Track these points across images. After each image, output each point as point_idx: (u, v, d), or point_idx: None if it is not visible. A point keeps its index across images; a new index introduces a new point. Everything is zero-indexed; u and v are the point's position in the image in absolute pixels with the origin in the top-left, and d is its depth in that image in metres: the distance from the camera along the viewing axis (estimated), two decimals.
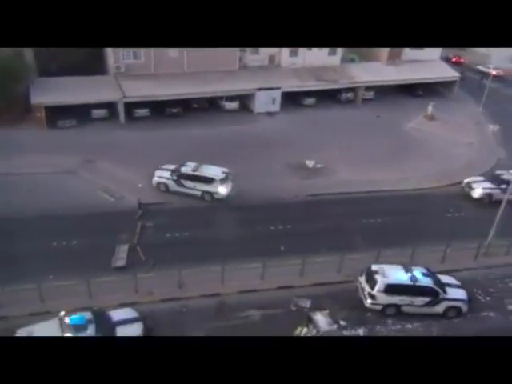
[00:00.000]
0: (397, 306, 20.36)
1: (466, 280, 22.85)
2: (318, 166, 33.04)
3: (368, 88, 45.59)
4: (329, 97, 44.77)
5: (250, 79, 41.81)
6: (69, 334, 16.20)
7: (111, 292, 20.04)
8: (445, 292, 20.49)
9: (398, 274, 20.51)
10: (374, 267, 20.94)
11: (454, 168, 33.89)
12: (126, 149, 32.93)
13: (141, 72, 38.80)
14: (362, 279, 21.01)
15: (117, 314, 18.30)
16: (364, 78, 44.92)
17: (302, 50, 45.05)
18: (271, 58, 45.44)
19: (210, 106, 41.67)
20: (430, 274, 21.00)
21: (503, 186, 28.43)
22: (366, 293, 20.48)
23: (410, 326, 20.12)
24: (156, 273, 21.50)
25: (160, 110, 38.92)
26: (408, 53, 49.08)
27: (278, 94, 41.58)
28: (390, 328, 19.95)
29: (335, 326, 18.70)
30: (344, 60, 47.45)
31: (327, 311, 19.43)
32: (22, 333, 16.51)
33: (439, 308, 20.51)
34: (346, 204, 28.63)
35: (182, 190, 28.10)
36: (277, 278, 21.77)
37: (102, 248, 22.67)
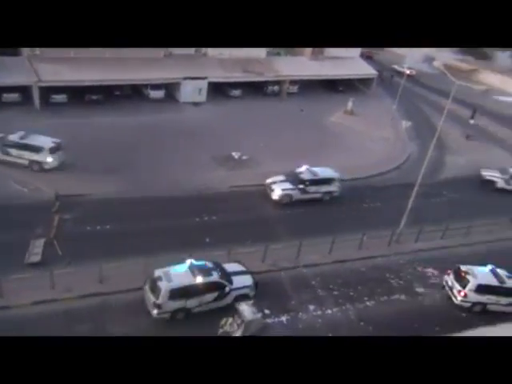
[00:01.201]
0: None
1: (381, 266, 24.49)
2: (244, 157, 33.37)
3: (293, 82, 46.70)
4: (255, 89, 45.26)
5: (175, 68, 41.04)
6: (199, 277, 18.81)
7: (25, 289, 18.86)
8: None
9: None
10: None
11: (371, 161, 35.87)
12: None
13: (58, 55, 36.38)
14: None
15: (229, 267, 20.84)
16: (289, 72, 45.93)
17: None
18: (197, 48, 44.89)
19: (133, 93, 40.37)
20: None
21: (301, 186, 28.26)
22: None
23: (329, 311, 21.15)
24: (75, 268, 20.54)
25: (79, 96, 37.00)
26: (330, 49, 50.87)
27: (204, 84, 41.25)
28: (312, 314, 20.82)
29: (259, 315, 19.16)
30: (270, 53, 48.12)
31: (252, 301, 19.82)
32: (158, 273, 18.89)
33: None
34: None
35: (8, 158, 27.54)
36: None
37: (15, 243, 21.20)
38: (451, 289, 22.65)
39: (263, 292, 21.17)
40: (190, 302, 18.94)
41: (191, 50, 44.23)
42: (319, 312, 21.04)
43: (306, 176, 28.98)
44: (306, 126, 40.22)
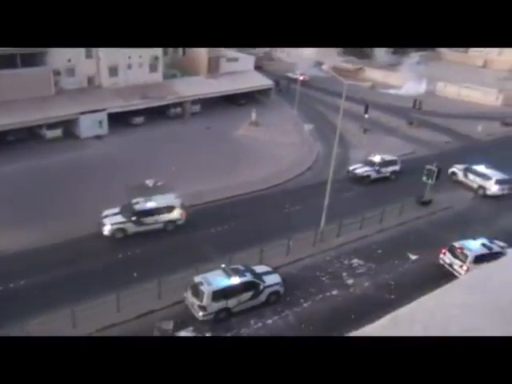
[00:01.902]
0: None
1: (310, 266, 25.31)
2: (159, 183, 32.78)
3: (194, 102, 46.95)
4: (157, 114, 44.79)
5: (70, 103, 39.29)
6: (235, 278, 20.86)
7: None
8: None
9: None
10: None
11: (283, 167, 37.10)
12: None
13: None
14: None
15: (258, 268, 22.79)
16: (188, 93, 46.11)
17: (121, 69, 44.09)
18: (90, 80, 43.49)
19: (29, 136, 37.88)
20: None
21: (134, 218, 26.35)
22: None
23: (270, 321, 21.37)
24: None
25: None
26: (224, 65, 52.02)
27: (104, 116, 40.01)
28: (253, 327, 20.90)
29: None
30: (166, 76, 47.98)
31: (191, 328, 19.46)
32: (198, 279, 20.81)
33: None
34: (189, 216, 28.93)
35: None
36: (135, 306, 20.93)
37: None
38: (451, 265, 24.78)
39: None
40: (231, 301, 20.88)
41: (83, 84, 42.77)
42: (260, 324, 21.18)
43: (139, 207, 26.63)
44: (215, 142, 40.60)
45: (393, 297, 23.46)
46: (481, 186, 34.00)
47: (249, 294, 21.36)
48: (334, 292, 23.57)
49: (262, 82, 53.35)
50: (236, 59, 54.04)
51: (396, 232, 29.17)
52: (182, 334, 18.98)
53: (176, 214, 27.47)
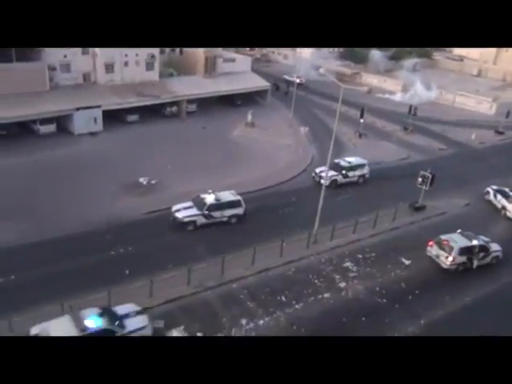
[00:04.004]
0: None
1: (303, 268, 25.21)
2: (153, 182, 32.58)
3: (190, 101, 46.79)
4: (153, 112, 44.59)
5: (65, 99, 39.00)
6: (475, 241, 26.01)
7: None
8: None
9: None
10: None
11: (278, 169, 37.03)
12: None
13: None
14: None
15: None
16: (184, 92, 45.96)
17: (117, 67, 43.86)
18: (86, 76, 43.21)
19: (22, 131, 37.50)
20: None
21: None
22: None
23: (261, 321, 21.25)
24: None
25: None
26: (221, 66, 51.94)
27: (98, 113, 39.70)
28: (244, 328, 20.76)
29: None
30: (162, 75, 47.78)
31: (182, 326, 19.29)
32: (445, 237, 26.31)
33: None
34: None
35: None
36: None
37: None
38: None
39: (192, 315, 20.74)
40: (471, 257, 25.70)
41: (79, 80, 42.50)
42: (252, 325, 21.03)
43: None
44: (210, 142, 40.46)
45: (384, 301, 23.45)
46: (503, 207, 34.13)
47: (481, 255, 26.14)
48: (326, 295, 23.49)
49: (258, 83, 53.32)
50: (233, 60, 53.99)
51: (389, 236, 29.19)
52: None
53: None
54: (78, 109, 38.46)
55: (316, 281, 24.48)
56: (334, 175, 34.56)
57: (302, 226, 27.74)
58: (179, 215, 27.49)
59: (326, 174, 30.48)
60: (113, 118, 41.04)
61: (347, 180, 35.43)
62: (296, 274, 24.75)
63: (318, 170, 35.25)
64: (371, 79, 70.99)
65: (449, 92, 63.40)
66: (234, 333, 20.32)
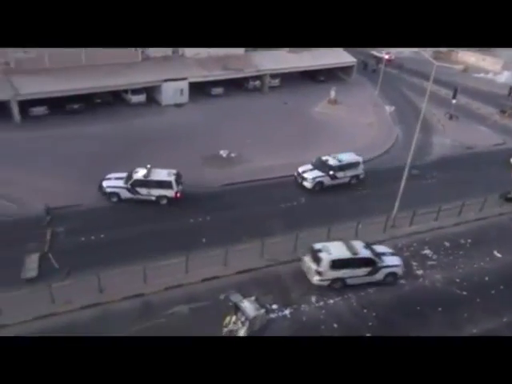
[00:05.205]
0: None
1: None
2: (232, 155, 33.20)
3: (273, 76, 46.56)
4: (236, 86, 45.01)
5: (154, 71, 40.60)
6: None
7: (24, 306, 18.54)
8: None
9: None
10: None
11: (359, 149, 35.91)
12: (23, 150, 30.45)
13: (34, 67, 35.81)
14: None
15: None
16: (269, 66, 45.75)
17: None
18: (174, 49, 44.45)
19: (114, 99, 39.82)
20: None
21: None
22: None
23: (331, 301, 21.16)
24: (73, 280, 20.27)
25: (60, 106, 36.40)
26: None
27: (185, 85, 40.90)
28: (314, 305, 20.82)
29: (262, 311, 19.11)
30: (247, 48, 47.81)
31: (253, 297, 19.77)
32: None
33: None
34: (262, 190, 29.13)
35: None
36: (201, 270, 21.64)
37: (9, 260, 20.83)
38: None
39: (265, 287, 21.15)
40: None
41: (169, 52, 43.86)
42: (321, 303, 21.05)
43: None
44: (292, 118, 40.16)
45: (465, 293, 22.23)
46: None
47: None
48: (402, 281, 22.76)
49: (344, 59, 51.54)
50: None
51: (474, 226, 27.39)
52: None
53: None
54: (165, 80, 39.91)
55: None
56: (320, 176, 29.56)
57: (380, 210, 26.85)
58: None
59: (309, 174, 29.24)
60: (198, 90, 42.10)
61: (335, 182, 30.05)
62: None
63: (300, 170, 30.14)
64: (468, 57, 65.61)
65: None
66: (304, 309, 20.48)
